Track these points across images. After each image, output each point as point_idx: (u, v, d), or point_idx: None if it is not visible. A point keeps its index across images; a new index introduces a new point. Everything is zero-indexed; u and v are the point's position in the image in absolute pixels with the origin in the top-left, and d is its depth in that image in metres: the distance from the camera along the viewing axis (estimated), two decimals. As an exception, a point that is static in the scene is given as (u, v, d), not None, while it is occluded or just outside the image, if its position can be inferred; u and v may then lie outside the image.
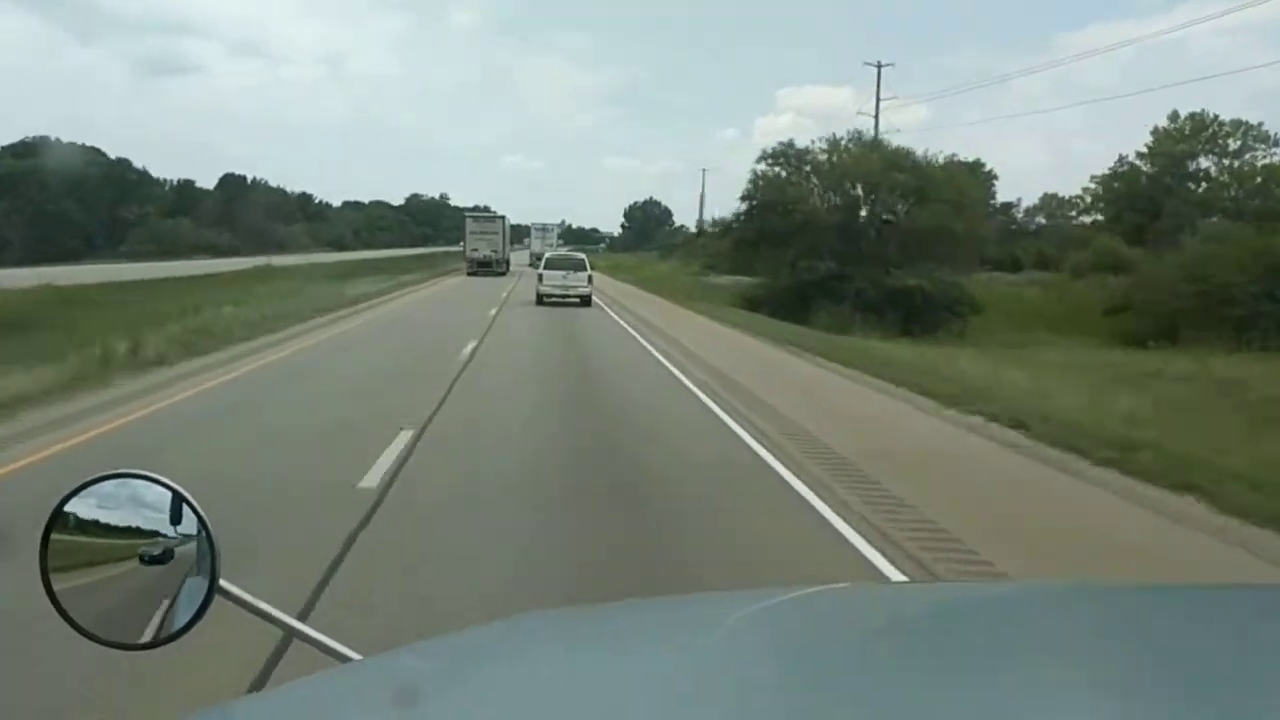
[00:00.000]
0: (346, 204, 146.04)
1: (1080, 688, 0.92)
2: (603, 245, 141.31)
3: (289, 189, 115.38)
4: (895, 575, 5.26)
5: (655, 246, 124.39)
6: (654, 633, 1.21)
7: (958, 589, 2.20)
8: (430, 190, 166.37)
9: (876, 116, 50.69)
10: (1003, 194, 72.11)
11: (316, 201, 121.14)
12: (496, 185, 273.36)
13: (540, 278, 29.47)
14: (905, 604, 1.44)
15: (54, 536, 1.21)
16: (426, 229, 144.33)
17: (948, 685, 0.92)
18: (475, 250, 49.16)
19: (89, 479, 1.24)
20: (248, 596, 1.23)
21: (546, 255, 33.03)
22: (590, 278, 29.46)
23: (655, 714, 0.87)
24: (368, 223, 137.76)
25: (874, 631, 1.20)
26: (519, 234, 72.30)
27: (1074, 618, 1.21)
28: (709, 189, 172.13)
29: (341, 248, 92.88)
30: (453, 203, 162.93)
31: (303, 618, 2.48)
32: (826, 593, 1.49)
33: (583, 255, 32.41)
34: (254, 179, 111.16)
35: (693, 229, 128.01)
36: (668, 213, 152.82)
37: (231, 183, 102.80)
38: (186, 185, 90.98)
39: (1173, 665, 0.98)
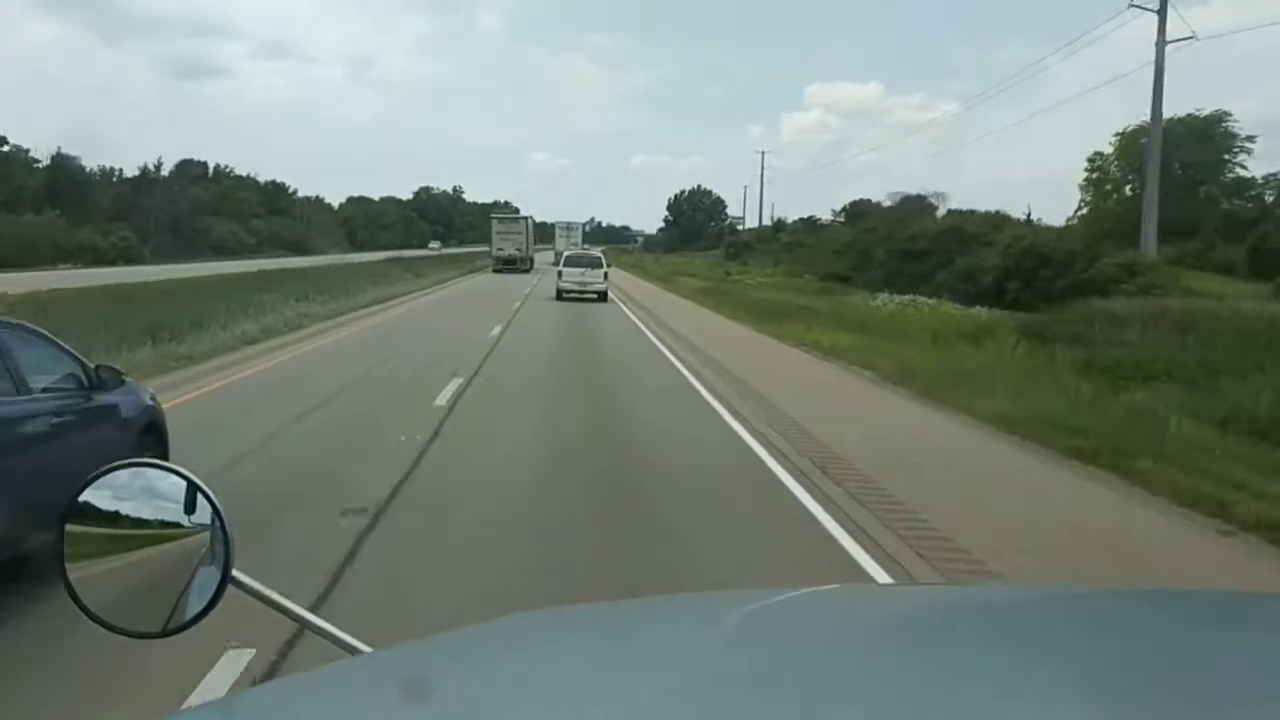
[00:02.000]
0: (351, 199, 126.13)
1: (1073, 692, 0.92)
2: (636, 244, 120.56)
3: (261, 178, 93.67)
4: None
5: (708, 245, 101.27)
6: (659, 631, 1.21)
7: (952, 592, 2.14)
8: (445, 185, 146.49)
9: (1163, 10, 33.81)
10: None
11: (292, 193, 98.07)
12: (523, 182, 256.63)
13: (559, 274, 31.81)
14: (898, 605, 1.42)
15: (69, 527, 1.21)
16: (438, 226, 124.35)
17: (941, 687, 0.93)
18: (500, 249, 51.41)
19: (103, 469, 1.23)
20: (260, 587, 1.22)
21: (565, 254, 35.94)
22: (606, 274, 31.84)
23: (658, 711, 0.87)
24: (367, 220, 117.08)
25: (866, 633, 1.20)
26: (545, 233, 73.01)
27: (1068, 621, 1.22)
28: (737, 188, 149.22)
29: (306, 251, 71.67)
30: (467, 197, 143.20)
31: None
32: (818, 594, 1.47)
33: (599, 253, 35.59)
34: (219, 166, 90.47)
35: (739, 225, 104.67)
36: (720, 203, 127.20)
37: (188, 170, 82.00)
38: (66, 165, 62.80)
39: (1164, 670, 0.98)
